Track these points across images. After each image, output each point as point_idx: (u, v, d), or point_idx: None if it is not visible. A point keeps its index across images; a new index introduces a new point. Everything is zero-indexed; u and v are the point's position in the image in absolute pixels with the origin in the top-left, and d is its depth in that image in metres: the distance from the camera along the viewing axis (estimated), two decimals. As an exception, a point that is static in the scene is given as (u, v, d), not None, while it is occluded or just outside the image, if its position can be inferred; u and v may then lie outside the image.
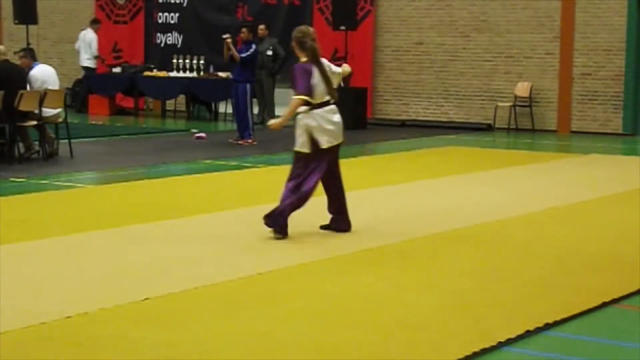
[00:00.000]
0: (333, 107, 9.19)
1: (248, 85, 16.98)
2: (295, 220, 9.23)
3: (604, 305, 7.01)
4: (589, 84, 20.10)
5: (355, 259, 8.35)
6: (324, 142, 9.03)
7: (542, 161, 15.57)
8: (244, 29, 17.38)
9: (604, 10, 19.88)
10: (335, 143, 9.13)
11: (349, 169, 14.67)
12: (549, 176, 13.87)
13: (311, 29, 9.39)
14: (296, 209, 9.09)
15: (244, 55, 16.78)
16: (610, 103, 19.97)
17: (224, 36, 16.90)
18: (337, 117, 9.19)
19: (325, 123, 9.08)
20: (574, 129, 20.22)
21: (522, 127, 20.60)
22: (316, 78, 9.04)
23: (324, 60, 9.25)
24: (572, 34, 20.09)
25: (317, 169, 9.08)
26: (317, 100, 9.07)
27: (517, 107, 20.61)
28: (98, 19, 24.08)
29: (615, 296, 7.20)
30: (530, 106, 20.50)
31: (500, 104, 20.68)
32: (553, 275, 7.94)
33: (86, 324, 6.32)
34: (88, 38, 23.49)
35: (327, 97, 9.13)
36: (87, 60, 23.49)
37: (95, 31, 23.55)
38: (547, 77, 20.44)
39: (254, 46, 17.03)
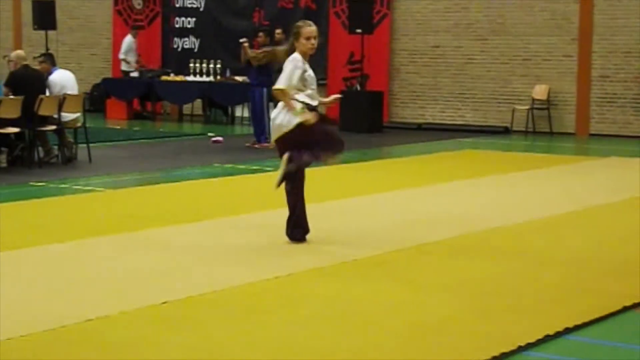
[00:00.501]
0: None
1: (264, 90, 17.00)
2: (312, 225, 9.22)
3: (625, 309, 6.98)
4: (608, 87, 20.04)
5: (372, 263, 8.34)
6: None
7: (560, 164, 15.52)
8: (260, 34, 17.42)
9: (623, 12, 19.82)
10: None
11: (366, 172, 14.72)
12: (567, 179, 13.83)
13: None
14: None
15: (260, 59, 16.81)
16: (630, 105, 19.90)
17: (241, 40, 16.94)
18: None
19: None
20: (592, 132, 20.17)
21: (539, 130, 20.55)
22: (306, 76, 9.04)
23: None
24: (591, 36, 20.05)
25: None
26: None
27: (534, 110, 20.57)
28: (137, 25, 24.06)
29: (636, 300, 7.17)
30: (548, 109, 20.46)
31: (517, 107, 20.64)
32: (573, 279, 7.91)
33: (107, 326, 6.34)
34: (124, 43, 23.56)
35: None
36: (124, 64, 23.51)
37: (133, 36, 23.54)
38: (565, 80, 20.40)
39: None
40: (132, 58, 23.41)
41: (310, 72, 8.97)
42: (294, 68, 8.81)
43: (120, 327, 6.33)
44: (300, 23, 9.10)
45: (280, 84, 8.83)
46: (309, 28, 8.93)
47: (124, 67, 23.47)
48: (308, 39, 8.90)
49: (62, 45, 24.80)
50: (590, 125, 20.25)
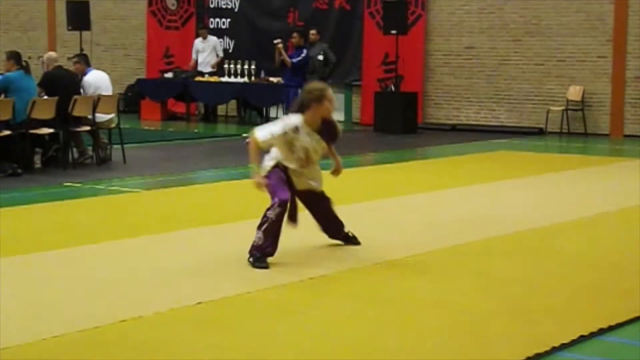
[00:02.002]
0: None
1: (299, 90, 17.00)
2: (348, 226, 9.22)
3: (659, 310, 6.95)
4: (643, 88, 19.91)
5: (406, 264, 8.34)
6: None
7: (595, 165, 15.45)
8: (295, 34, 17.47)
9: (657, 12, 19.70)
10: None
11: (401, 173, 14.71)
12: (602, 181, 13.76)
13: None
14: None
15: (295, 60, 16.87)
16: (664, 106, 19.77)
17: (276, 41, 17.00)
18: None
19: None
20: (627, 133, 20.05)
21: (574, 131, 20.46)
22: None
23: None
24: (625, 37, 19.93)
25: None
26: None
27: (569, 111, 20.47)
28: (202, 25, 24.02)
29: (671, 301, 7.14)
30: (582, 110, 20.36)
31: (552, 107, 20.56)
32: (606, 280, 7.87)
33: (141, 327, 6.37)
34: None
35: None
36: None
37: (202, 37, 23.47)
38: (599, 81, 20.28)
39: (305, 51, 17.10)
40: (201, 59, 23.33)
41: (304, 143, 8.29)
42: (283, 128, 8.24)
43: (154, 328, 6.37)
44: (321, 85, 8.41)
45: (258, 133, 8.32)
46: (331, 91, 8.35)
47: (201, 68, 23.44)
48: (331, 101, 8.26)
49: (97, 46, 24.94)
50: (624, 126, 20.13)
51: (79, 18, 22.03)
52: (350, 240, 8.91)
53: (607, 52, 20.14)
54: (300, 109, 8.30)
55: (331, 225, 8.88)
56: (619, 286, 7.66)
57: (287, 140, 8.27)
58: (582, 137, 20.13)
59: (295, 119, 8.29)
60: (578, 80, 20.45)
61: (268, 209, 8.29)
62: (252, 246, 8.21)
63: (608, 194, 12.44)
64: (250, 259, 8.16)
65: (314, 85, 8.46)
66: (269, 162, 8.45)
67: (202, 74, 22.93)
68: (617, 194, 12.42)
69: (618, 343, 6.25)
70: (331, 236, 8.92)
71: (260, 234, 8.22)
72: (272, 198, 8.31)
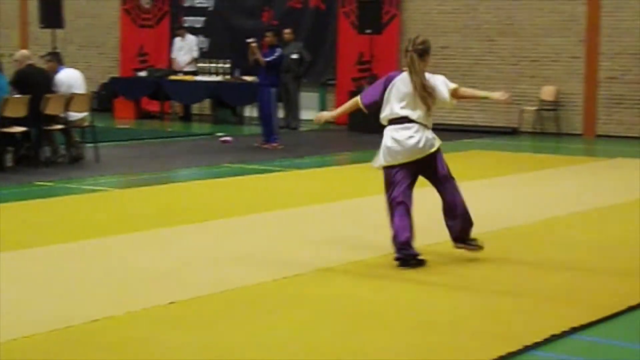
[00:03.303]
0: (409, 124, 8.27)
1: (273, 89, 17.01)
2: (320, 225, 9.23)
3: (631, 309, 6.99)
4: (615, 88, 20.02)
5: (380, 263, 8.34)
6: (382, 161, 8.36)
7: (568, 165, 15.51)
8: (268, 33, 17.42)
9: (630, 13, 19.79)
10: (400, 162, 8.29)
11: (375, 172, 14.68)
12: (574, 180, 13.83)
13: (420, 39, 8.44)
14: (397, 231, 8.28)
15: (269, 59, 16.82)
16: (636, 107, 19.87)
17: (249, 40, 16.95)
18: (406, 134, 8.26)
19: (389, 141, 8.32)
20: (599, 133, 20.14)
21: (547, 131, 20.53)
22: (393, 92, 8.30)
23: (430, 76, 8.35)
24: (598, 38, 20.02)
25: (394, 189, 8.32)
26: (388, 117, 8.36)
27: (542, 111, 20.55)
28: (179, 24, 23.91)
29: (642, 300, 7.18)
30: (555, 110, 20.44)
31: (525, 107, 20.62)
32: (579, 279, 7.91)
33: (113, 327, 6.35)
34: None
35: (405, 114, 8.29)
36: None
37: (181, 36, 23.38)
38: (572, 81, 20.37)
39: (279, 50, 17.07)
40: (180, 58, 23.27)
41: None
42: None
43: (127, 328, 6.34)
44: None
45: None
46: None
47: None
48: None
49: (70, 44, 24.83)
50: (597, 126, 20.23)
51: (52, 16, 21.91)
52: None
53: (580, 53, 20.23)
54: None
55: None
56: (591, 285, 7.69)
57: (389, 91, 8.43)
58: (555, 136, 20.21)
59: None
60: (551, 81, 20.53)
61: None
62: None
63: (581, 194, 12.49)
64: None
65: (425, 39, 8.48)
66: None
67: (177, 72, 22.87)
68: (589, 194, 12.48)
69: (589, 341, 6.28)
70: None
71: None
72: None
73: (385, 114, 8.39)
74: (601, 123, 20.20)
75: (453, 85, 8.48)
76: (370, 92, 8.57)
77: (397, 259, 8.16)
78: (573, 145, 18.99)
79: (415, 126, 8.26)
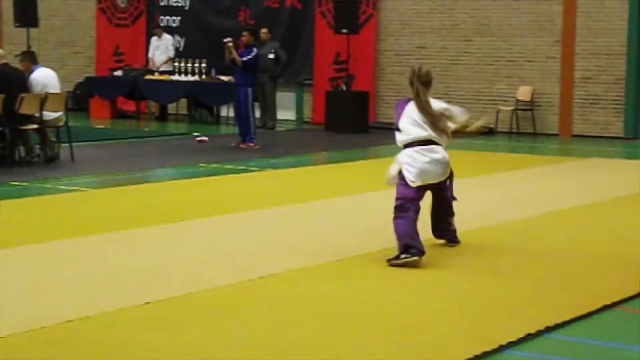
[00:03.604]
0: (431, 146, 8.49)
1: (249, 89, 16.98)
2: (298, 225, 9.22)
3: (606, 308, 7.01)
4: (590, 88, 20.10)
5: (357, 263, 8.34)
6: (412, 178, 8.41)
7: (543, 165, 15.56)
8: (245, 33, 17.40)
9: (605, 14, 19.87)
10: (429, 182, 8.48)
11: (351, 172, 14.72)
12: (550, 180, 13.87)
13: (424, 70, 8.82)
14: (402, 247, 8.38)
15: (245, 59, 16.80)
16: (611, 107, 19.97)
17: (225, 40, 16.92)
18: (435, 156, 8.48)
19: (413, 161, 8.43)
20: (575, 133, 20.21)
21: (523, 131, 20.59)
22: (406, 118, 8.56)
23: (434, 101, 8.76)
24: (574, 38, 20.09)
25: (408, 210, 8.41)
26: (409, 139, 8.51)
27: (518, 111, 20.60)
28: (155, 23, 23.80)
29: (617, 299, 7.20)
30: (531, 110, 20.50)
31: (502, 107, 20.68)
32: (554, 278, 7.93)
33: (87, 327, 6.32)
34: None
35: (424, 137, 8.49)
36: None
37: (157, 36, 23.29)
38: (548, 81, 20.44)
39: (255, 50, 17.05)
40: (157, 57, 23.19)
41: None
42: None
43: (101, 328, 6.31)
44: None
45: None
46: None
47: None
48: None
49: (45, 43, 24.69)
50: (573, 126, 20.30)
51: (27, 15, 21.76)
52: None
53: (556, 53, 20.30)
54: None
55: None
56: (567, 284, 7.72)
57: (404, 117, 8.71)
58: (532, 136, 20.27)
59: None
60: (527, 81, 20.59)
61: None
62: None
63: (555, 193, 12.53)
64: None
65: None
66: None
67: (153, 72, 22.81)
68: (564, 193, 12.53)
69: (564, 341, 6.30)
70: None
71: None
72: None
73: (405, 137, 8.54)
74: (577, 123, 20.27)
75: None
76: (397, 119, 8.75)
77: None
78: (549, 145, 19.05)
79: (436, 147, 8.56)
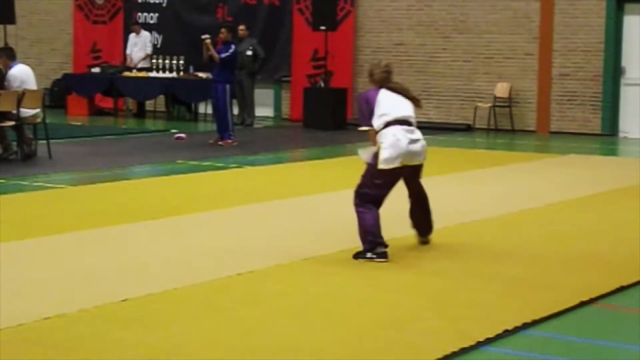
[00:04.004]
0: (410, 127, 8.59)
1: (227, 86, 16.95)
2: (274, 223, 9.21)
3: (582, 304, 7.05)
4: (568, 85, 20.17)
5: (333, 260, 8.35)
6: (393, 156, 8.40)
7: (521, 162, 15.61)
8: (223, 30, 17.36)
9: (583, 11, 19.95)
10: (410, 163, 8.55)
11: (329, 169, 14.72)
12: (528, 177, 13.91)
13: (385, 63, 8.90)
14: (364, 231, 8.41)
15: (223, 55, 16.77)
16: (589, 103, 20.04)
17: (203, 37, 16.89)
18: (414, 136, 8.57)
19: (396, 140, 8.42)
20: (553, 130, 20.28)
21: (501, 128, 20.65)
22: (381, 99, 8.55)
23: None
24: (551, 35, 20.16)
25: (375, 201, 8.47)
26: (390, 119, 8.48)
27: (496, 108, 20.66)
28: (133, 20, 23.70)
29: (593, 295, 7.24)
30: (509, 107, 20.56)
31: (479, 104, 20.73)
32: (531, 275, 7.96)
33: (65, 325, 6.30)
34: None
35: (405, 116, 8.57)
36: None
37: (135, 32, 23.21)
38: (526, 78, 20.50)
39: (233, 47, 17.02)
40: (134, 54, 23.12)
41: None
42: None
43: (79, 326, 6.30)
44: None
45: None
46: None
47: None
48: None
49: (22, 40, 24.59)
50: (550, 123, 20.37)
51: (4, 11, 21.62)
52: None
53: (534, 50, 20.36)
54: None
55: None
56: (544, 281, 7.75)
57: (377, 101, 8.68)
58: (510, 133, 20.33)
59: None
60: (505, 77, 20.64)
61: None
62: None
63: (533, 190, 12.57)
64: None
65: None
66: None
67: (131, 69, 22.75)
68: (543, 190, 12.57)
69: (542, 337, 6.32)
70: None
71: None
72: None
73: (383, 119, 8.50)
74: (555, 120, 20.35)
75: None
76: (362, 114, 8.72)
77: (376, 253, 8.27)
78: (527, 141, 19.11)
79: (417, 130, 8.67)
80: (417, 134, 8.62)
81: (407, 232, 9.31)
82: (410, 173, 8.63)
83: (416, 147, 8.54)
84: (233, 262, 8.13)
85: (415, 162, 8.60)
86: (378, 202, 8.47)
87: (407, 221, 9.27)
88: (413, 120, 8.66)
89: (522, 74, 20.52)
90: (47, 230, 9.36)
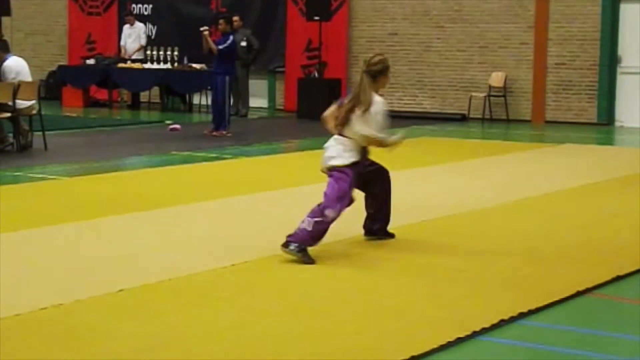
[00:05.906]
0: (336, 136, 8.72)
1: (227, 77, 16.92)
2: (268, 213, 9.20)
3: (578, 294, 7.04)
4: (564, 74, 20.18)
5: (329, 250, 8.34)
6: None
7: (517, 151, 15.61)
8: (221, 21, 17.33)
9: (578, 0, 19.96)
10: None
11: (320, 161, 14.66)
12: (523, 166, 13.92)
13: (378, 59, 8.72)
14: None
15: (221, 47, 16.75)
16: (584, 93, 20.05)
17: (202, 29, 16.87)
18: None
19: None
20: (548, 119, 20.30)
21: (496, 117, 20.66)
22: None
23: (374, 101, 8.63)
24: (547, 24, 20.16)
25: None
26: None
27: (491, 98, 20.67)
28: (128, 11, 23.69)
29: (590, 285, 7.23)
30: (504, 96, 20.56)
31: (474, 94, 20.73)
32: (527, 264, 7.96)
33: (61, 315, 6.29)
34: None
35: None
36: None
37: (130, 23, 23.21)
38: (521, 67, 20.51)
39: (231, 38, 17.00)
40: (129, 45, 23.11)
41: None
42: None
43: (75, 316, 6.29)
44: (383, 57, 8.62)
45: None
46: None
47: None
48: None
49: (17, 32, 24.56)
50: (546, 112, 20.39)
51: (-1, 3, 21.65)
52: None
53: (529, 39, 20.37)
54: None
55: None
56: (540, 270, 7.74)
57: None
58: (504, 123, 20.34)
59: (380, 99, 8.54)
60: (500, 67, 20.65)
61: None
62: None
63: (529, 180, 12.57)
64: None
65: (382, 57, 8.70)
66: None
67: (125, 60, 22.72)
68: (538, 180, 12.57)
69: (538, 327, 6.32)
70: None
71: None
72: None
73: None
74: (550, 109, 20.36)
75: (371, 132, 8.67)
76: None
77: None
78: (522, 131, 19.12)
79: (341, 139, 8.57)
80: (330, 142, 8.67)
81: (401, 223, 9.32)
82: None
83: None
84: (228, 253, 8.12)
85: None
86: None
87: (400, 211, 9.28)
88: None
89: (517, 63, 20.52)
90: (43, 221, 9.34)
